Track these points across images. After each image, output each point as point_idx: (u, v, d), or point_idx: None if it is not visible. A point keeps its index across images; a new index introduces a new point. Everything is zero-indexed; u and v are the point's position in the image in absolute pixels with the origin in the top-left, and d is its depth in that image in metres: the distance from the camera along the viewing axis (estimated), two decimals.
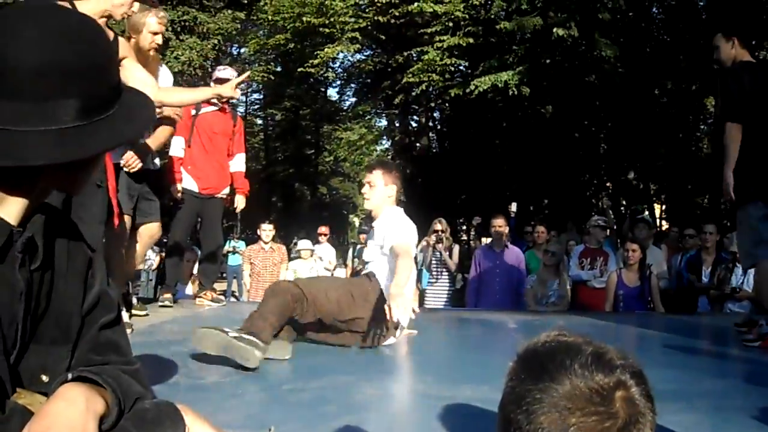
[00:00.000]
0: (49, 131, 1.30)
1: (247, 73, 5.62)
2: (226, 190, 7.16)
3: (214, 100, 6.56)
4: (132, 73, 4.71)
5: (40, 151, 1.28)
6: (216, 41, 22.75)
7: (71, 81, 1.32)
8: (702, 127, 25.64)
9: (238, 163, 7.29)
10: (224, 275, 15.26)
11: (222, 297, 7.58)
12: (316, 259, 11.85)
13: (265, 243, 11.04)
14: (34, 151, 1.28)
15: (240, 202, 7.27)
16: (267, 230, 11.14)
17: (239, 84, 5.22)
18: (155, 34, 5.61)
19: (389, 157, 27.19)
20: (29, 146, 1.28)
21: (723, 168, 5.41)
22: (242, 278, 12.08)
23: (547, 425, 1.15)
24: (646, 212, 21.58)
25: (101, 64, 1.40)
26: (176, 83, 6.02)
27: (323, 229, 13.57)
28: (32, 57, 1.28)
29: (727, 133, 5.44)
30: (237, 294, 14.14)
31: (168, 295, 6.70)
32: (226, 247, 15.21)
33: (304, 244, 12.05)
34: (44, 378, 1.45)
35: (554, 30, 16.56)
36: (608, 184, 24.97)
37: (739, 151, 5.34)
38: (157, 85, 5.08)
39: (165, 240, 7.92)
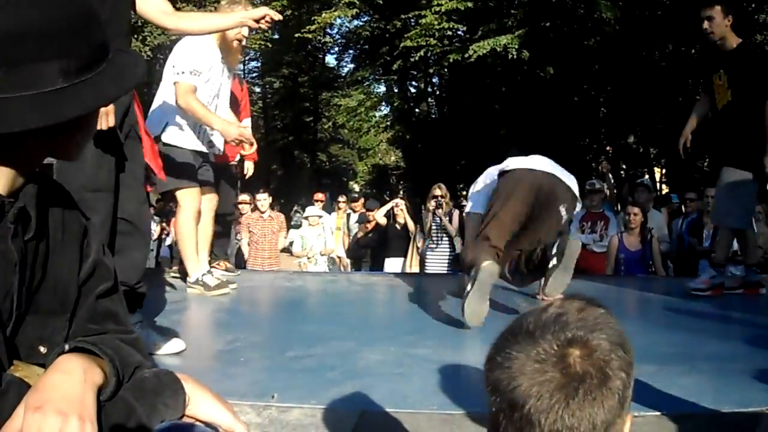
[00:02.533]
0: (27, 96, 1.26)
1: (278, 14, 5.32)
2: (237, 157, 7.07)
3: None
4: None
5: (18, 118, 1.24)
6: (213, 8, 22.60)
7: (48, 44, 1.28)
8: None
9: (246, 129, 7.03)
10: None
11: (234, 267, 7.54)
12: (324, 226, 11.79)
13: (263, 212, 10.93)
14: (12, 117, 1.24)
15: (250, 168, 7.14)
16: (262, 199, 10.96)
17: (271, 19, 5.01)
18: (243, 25, 5.45)
19: (389, 123, 27.14)
20: (7, 113, 1.24)
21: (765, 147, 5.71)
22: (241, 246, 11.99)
23: (498, 381, 1.17)
24: (646, 176, 21.55)
25: (81, 25, 1.35)
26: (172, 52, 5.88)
27: (319, 196, 13.52)
28: (5, 21, 1.24)
29: None
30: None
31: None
32: None
33: (312, 210, 11.98)
34: (42, 349, 1.43)
35: None
36: (608, 148, 24.90)
37: (755, 128, 5.71)
38: (173, 11, 4.84)
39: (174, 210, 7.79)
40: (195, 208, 5.65)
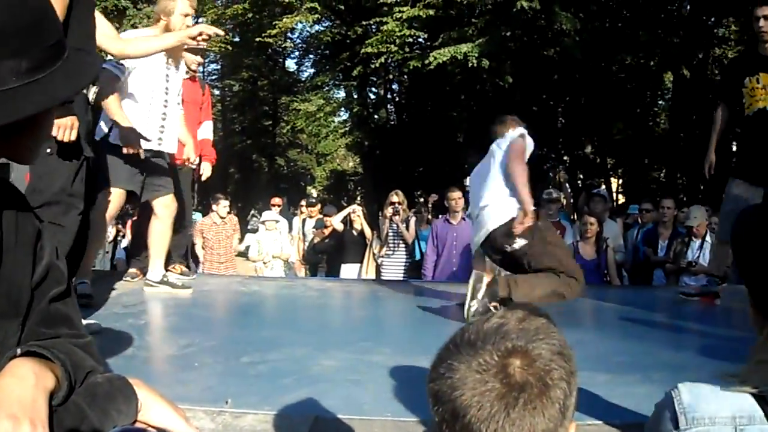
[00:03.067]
0: None
1: (217, 30, 5.47)
2: (197, 160, 7.03)
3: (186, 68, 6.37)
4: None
5: None
6: None
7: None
8: (660, 102, 25.88)
9: (206, 131, 7.29)
10: None
11: (188, 270, 7.49)
12: (281, 231, 11.75)
13: (221, 217, 10.87)
14: None
15: (207, 170, 7.19)
16: (225, 205, 10.97)
17: (207, 36, 5.13)
18: (186, 15, 5.70)
19: (347, 128, 27.16)
20: None
21: None
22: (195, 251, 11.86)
23: (440, 392, 1.18)
24: (603, 186, 21.76)
25: (32, 25, 1.33)
26: None
27: (276, 200, 13.45)
28: None
29: None
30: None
31: (134, 270, 6.62)
32: None
33: (268, 215, 11.93)
34: None
35: (517, 2, 16.50)
36: (565, 158, 25.11)
37: None
38: (118, 36, 4.96)
39: (131, 212, 7.80)
40: (109, 213, 5.70)
